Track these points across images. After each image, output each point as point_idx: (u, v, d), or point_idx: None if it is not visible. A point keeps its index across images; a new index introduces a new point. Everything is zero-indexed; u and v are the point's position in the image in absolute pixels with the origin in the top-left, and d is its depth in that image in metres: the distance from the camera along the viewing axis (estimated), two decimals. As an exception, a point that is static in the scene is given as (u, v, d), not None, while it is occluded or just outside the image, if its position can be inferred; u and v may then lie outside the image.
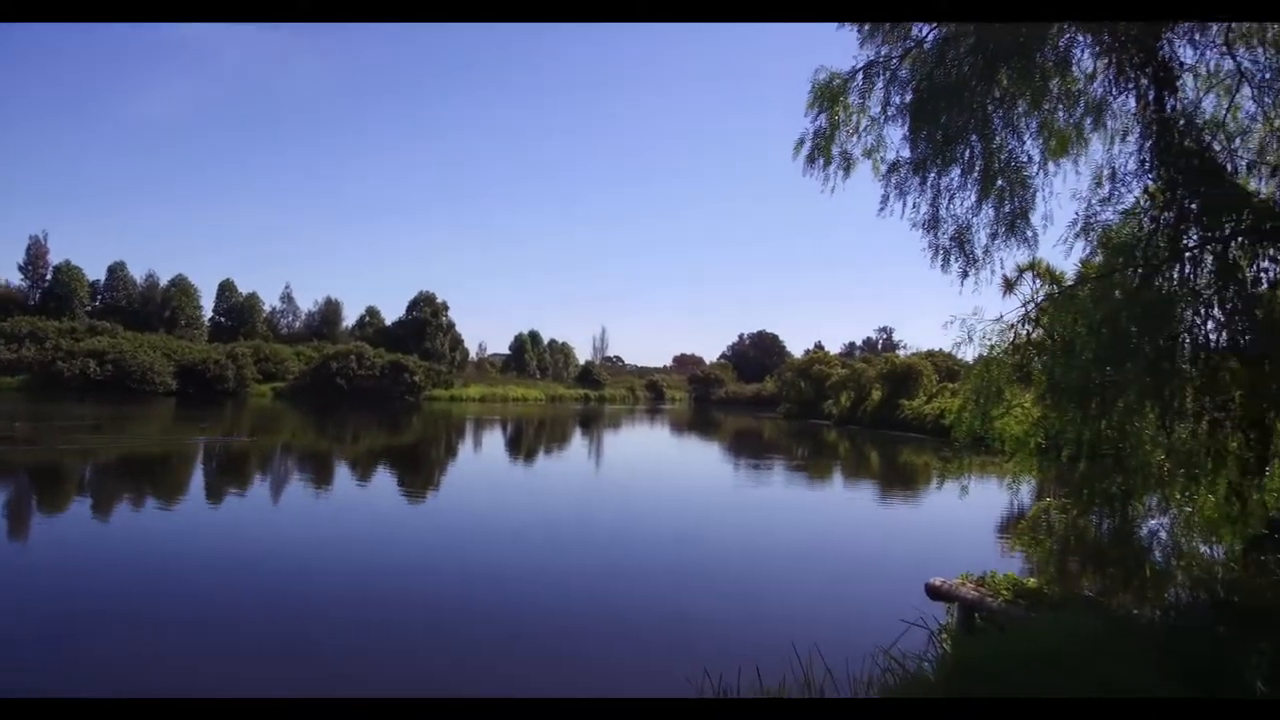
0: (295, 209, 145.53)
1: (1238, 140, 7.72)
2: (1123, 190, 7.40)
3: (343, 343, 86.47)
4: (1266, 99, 7.55)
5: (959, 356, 9.78)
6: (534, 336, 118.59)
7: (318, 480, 26.07)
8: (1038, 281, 9.43)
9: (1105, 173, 7.63)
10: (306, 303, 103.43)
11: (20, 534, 15.84)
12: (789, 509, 24.37)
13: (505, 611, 11.57)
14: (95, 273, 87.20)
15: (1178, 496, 7.91)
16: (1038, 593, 8.26)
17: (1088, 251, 7.75)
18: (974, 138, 7.89)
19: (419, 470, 30.63)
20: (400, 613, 11.26)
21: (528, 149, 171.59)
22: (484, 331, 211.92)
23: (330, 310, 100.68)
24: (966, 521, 19.79)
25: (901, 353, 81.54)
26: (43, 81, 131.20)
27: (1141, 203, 7.34)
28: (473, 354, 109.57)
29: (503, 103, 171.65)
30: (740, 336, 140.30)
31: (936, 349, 64.89)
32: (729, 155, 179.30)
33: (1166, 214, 7.10)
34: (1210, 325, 7.08)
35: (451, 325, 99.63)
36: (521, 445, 45.83)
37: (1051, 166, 8.05)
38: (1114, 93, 7.69)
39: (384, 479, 27.90)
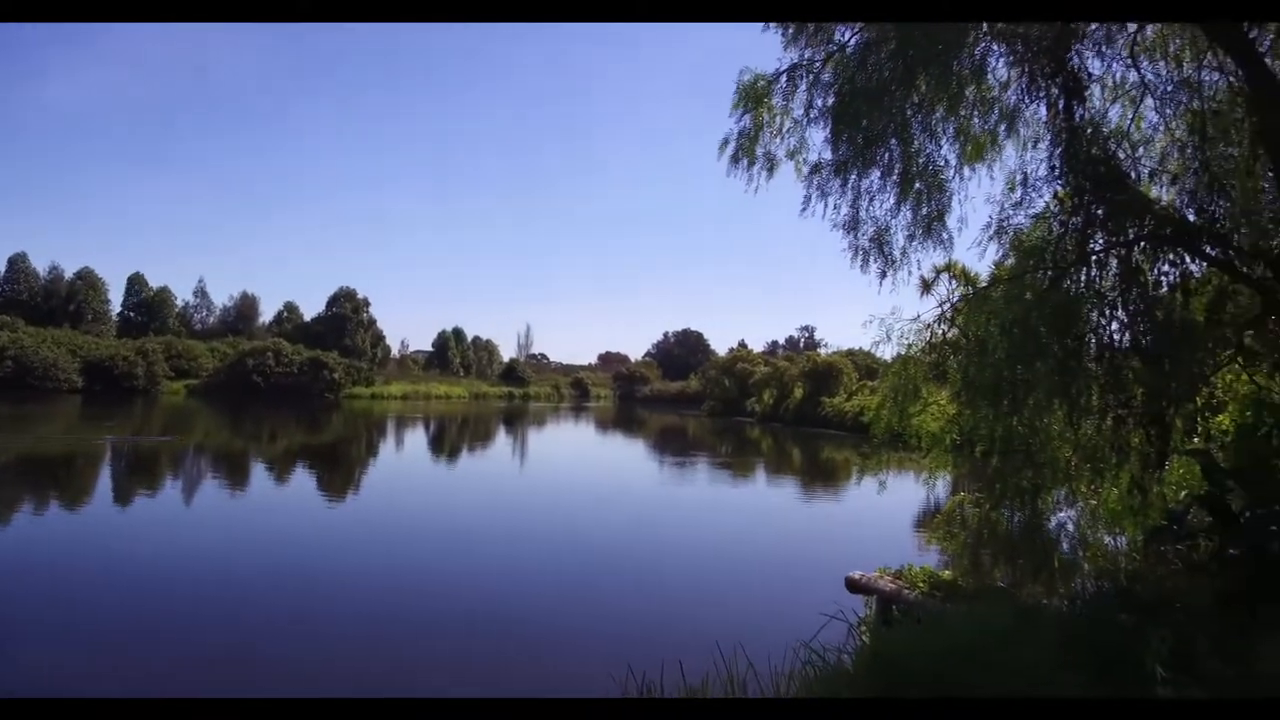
0: (210, 200, 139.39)
1: (1141, 149, 8.10)
2: (1034, 195, 7.70)
3: (259, 339, 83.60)
4: (1168, 110, 7.94)
5: (878, 355, 10.04)
6: (458, 333, 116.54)
7: (232, 481, 25.20)
8: (953, 283, 9.69)
9: (1018, 178, 7.95)
10: (221, 297, 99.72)
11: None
12: (712, 506, 24.60)
13: (424, 613, 11.38)
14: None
15: (1084, 490, 8.26)
16: (952, 585, 8.52)
17: (1000, 254, 8.06)
18: (894, 141, 8.06)
19: (337, 470, 29.89)
20: (314, 614, 10.97)
21: (449, 141, 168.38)
22: (406, 328, 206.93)
23: (246, 305, 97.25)
24: (885, 516, 20.27)
25: (823, 351, 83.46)
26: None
27: (1051, 207, 7.63)
28: (395, 351, 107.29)
29: (425, 95, 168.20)
30: (665, 335, 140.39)
31: (857, 348, 66.32)
32: (654, 151, 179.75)
33: (1074, 219, 7.40)
34: (1114, 326, 7.43)
35: (373, 322, 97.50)
36: (443, 444, 45.18)
37: (967, 171, 8.28)
38: (1026, 101, 7.96)
39: (301, 479, 27.13)
